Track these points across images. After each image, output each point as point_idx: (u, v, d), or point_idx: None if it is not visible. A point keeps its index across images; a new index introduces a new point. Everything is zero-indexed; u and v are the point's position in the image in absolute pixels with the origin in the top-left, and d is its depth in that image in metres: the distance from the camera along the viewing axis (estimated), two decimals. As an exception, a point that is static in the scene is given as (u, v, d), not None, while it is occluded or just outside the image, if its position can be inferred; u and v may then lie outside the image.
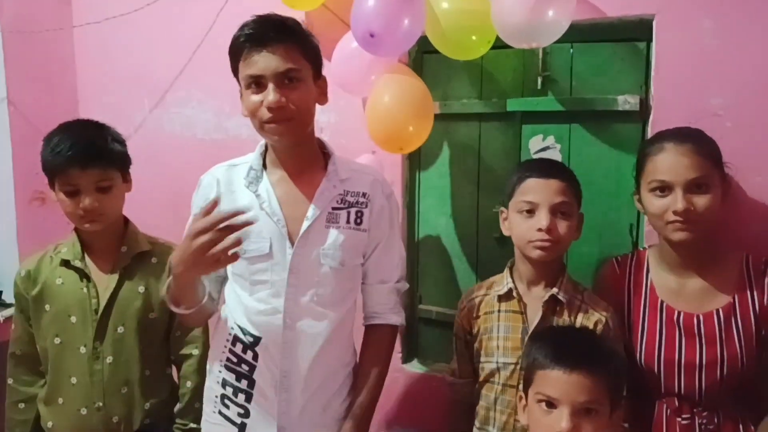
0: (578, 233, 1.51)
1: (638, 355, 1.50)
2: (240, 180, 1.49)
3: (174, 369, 1.80)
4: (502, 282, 1.56)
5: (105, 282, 1.67)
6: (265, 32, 1.37)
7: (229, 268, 1.51)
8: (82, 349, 1.63)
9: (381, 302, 1.57)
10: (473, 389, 1.60)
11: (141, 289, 1.68)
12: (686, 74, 1.63)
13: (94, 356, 1.63)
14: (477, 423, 1.57)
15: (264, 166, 1.50)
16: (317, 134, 2.08)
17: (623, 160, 1.74)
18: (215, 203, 1.24)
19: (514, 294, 1.52)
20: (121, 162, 1.68)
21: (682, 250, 1.48)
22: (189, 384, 1.70)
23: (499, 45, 1.66)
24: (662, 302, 1.50)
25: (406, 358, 2.11)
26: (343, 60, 1.84)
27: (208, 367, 1.58)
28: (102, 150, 1.61)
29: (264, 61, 1.36)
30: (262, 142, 1.53)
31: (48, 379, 1.69)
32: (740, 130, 1.58)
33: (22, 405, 1.72)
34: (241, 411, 1.49)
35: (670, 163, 1.42)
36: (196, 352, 1.72)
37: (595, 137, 1.79)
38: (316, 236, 1.44)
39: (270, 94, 1.36)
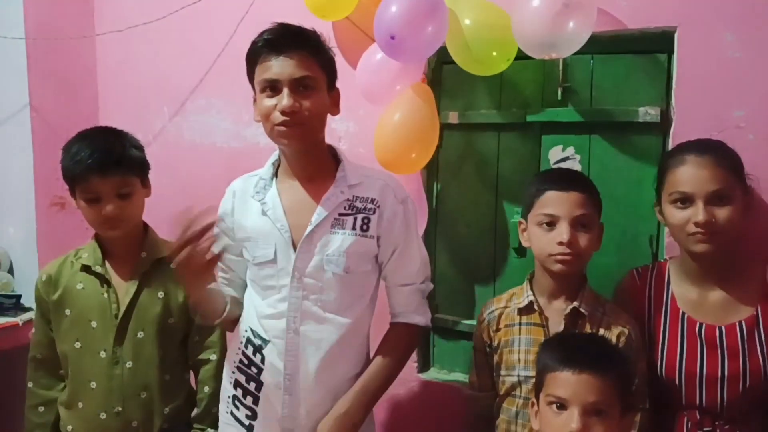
0: (599, 244, 1.51)
1: (659, 367, 1.49)
2: (251, 190, 1.52)
3: (191, 374, 1.80)
4: (522, 295, 1.55)
5: (125, 287, 1.68)
6: (284, 39, 1.40)
7: (247, 274, 1.55)
8: (102, 354, 1.65)
9: (403, 303, 1.57)
10: (492, 402, 1.59)
11: (160, 294, 1.69)
12: (708, 86, 1.62)
13: (114, 361, 1.65)
14: (497, 436, 1.56)
15: (276, 176, 1.53)
16: (335, 143, 2.11)
17: (644, 172, 1.73)
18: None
19: (535, 307, 1.51)
20: (140, 168, 1.70)
21: (703, 262, 1.47)
22: (207, 389, 1.71)
23: (519, 56, 1.67)
24: (684, 314, 1.49)
25: (422, 368, 2.11)
26: (367, 70, 1.86)
27: (225, 368, 1.60)
28: (121, 157, 1.63)
29: (280, 66, 1.39)
30: (276, 153, 1.55)
31: (68, 383, 1.70)
32: (762, 142, 1.57)
33: (41, 408, 1.74)
34: (249, 413, 1.51)
35: (691, 175, 1.41)
36: (213, 357, 1.73)
37: (616, 149, 1.79)
38: (320, 242, 1.46)
39: (284, 99, 1.38)
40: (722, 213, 1.39)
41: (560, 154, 1.85)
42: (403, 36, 1.58)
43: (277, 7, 2.02)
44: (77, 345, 1.66)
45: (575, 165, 1.82)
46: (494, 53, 1.65)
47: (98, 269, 1.68)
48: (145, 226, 1.77)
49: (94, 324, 1.65)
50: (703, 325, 1.46)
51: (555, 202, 1.45)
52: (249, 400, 1.50)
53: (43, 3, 2.50)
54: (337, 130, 2.13)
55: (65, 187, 1.69)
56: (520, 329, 1.53)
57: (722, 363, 1.43)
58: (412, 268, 1.56)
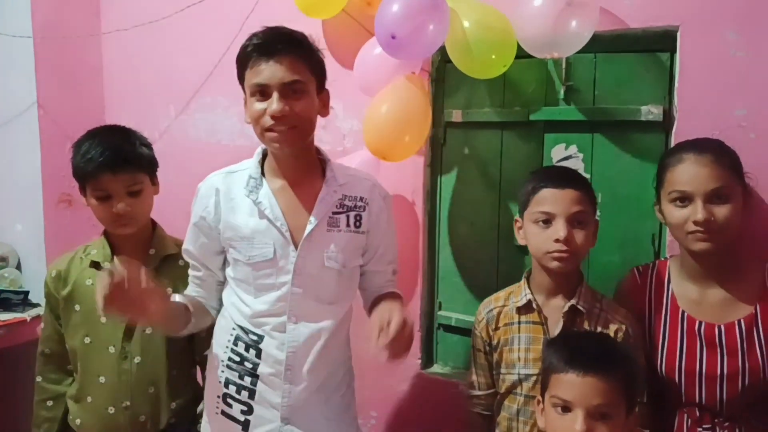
0: (594, 240, 1.52)
1: (659, 365, 1.50)
2: (239, 188, 1.53)
3: (198, 369, 1.83)
4: (520, 293, 1.56)
5: (134, 284, 1.70)
6: (274, 43, 1.42)
7: (231, 274, 1.56)
8: (111, 349, 1.67)
9: (387, 279, 1.66)
10: (493, 401, 1.61)
11: (169, 290, 1.71)
12: (710, 85, 1.63)
13: (123, 356, 1.67)
14: (498, 434, 1.58)
15: (263, 173, 1.54)
16: (340, 141, 2.12)
17: (646, 171, 1.74)
18: None
19: (534, 306, 1.53)
20: (150, 165, 1.72)
21: (703, 261, 1.48)
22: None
23: (522, 55, 1.68)
24: (683, 312, 1.50)
25: (425, 364, 2.13)
26: (365, 64, 1.88)
27: (209, 371, 1.61)
28: (131, 155, 1.65)
29: (270, 71, 1.40)
30: (259, 149, 1.57)
31: (77, 377, 1.73)
32: (764, 141, 1.58)
33: (49, 403, 1.76)
34: (245, 408, 1.53)
35: (690, 174, 1.42)
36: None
37: (618, 147, 1.80)
38: (318, 240, 1.49)
39: (274, 103, 1.40)
40: (721, 212, 1.40)
41: (563, 153, 1.86)
42: (404, 35, 1.59)
43: (282, 6, 2.04)
44: (87, 340, 1.69)
45: (578, 163, 1.83)
46: (493, 56, 1.67)
47: (107, 265, 1.70)
48: (153, 223, 1.79)
49: (103, 319, 1.67)
50: (703, 324, 1.47)
51: (551, 200, 1.47)
52: (244, 395, 1.52)
53: (50, 2, 2.52)
54: (341, 128, 2.15)
55: (72, 184, 1.71)
56: (519, 328, 1.54)
57: (721, 361, 1.44)
58: (393, 254, 1.67)
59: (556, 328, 1.50)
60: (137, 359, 1.68)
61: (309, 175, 1.54)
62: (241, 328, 1.53)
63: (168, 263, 1.74)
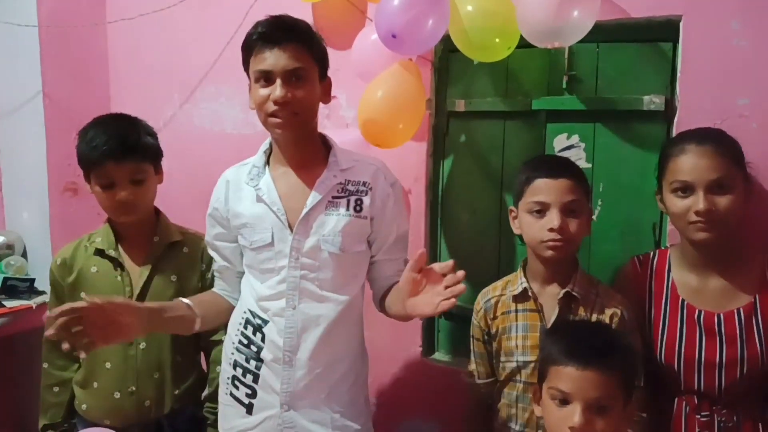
0: (589, 229, 1.53)
1: (658, 352, 1.51)
2: (245, 178, 1.57)
3: (202, 355, 1.85)
4: (517, 282, 1.57)
5: (138, 271, 1.72)
6: (278, 31, 1.45)
7: (244, 260, 1.61)
8: (117, 335, 1.69)
9: (394, 273, 1.61)
10: (492, 389, 1.63)
11: (173, 278, 1.73)
12: (712, 75, 1.63)
13: (128, 342, 1.69)
14: (499, 420, 1.59)
15: (268, 163, 1.58)
16: (343, 129, 2.13)
17: (648, 160, 1.75)
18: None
19: (530, 293, 1.54)
20: (154, 155, 1.74)
21: (703, 250, 1.49)
22: (218, 369, 1.75)
23: (524, 44, 1.68)
24: (683, 301, 1.51)
25: (427, 352, 2.14)
26: (362, 50, 1.89)
27: (223, 351, 1.65)
28: (136, 144, 1.66)
29: (274, 58, 1.43)
30: (267, 141, 1.60)
31: (83, 363, 1.75)
32: (766, 130, 1.58)
33: (56, 388, 1.78)
34: (249, 391, 1.56)
35: (691, 164, 1.43)
36: (224, 338, 1.77)
37: (620, 137, 1.80)
38: (316, 223, 1.51)
39: (277, 90, 1.43)
40: (722, 201, 1.41)
41: (565, 142, 1.87)
42: (406, 34, 1.61)
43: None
44: (92, 327, 1.71)
45: (580, 153, 1.84)
46: (497, 39, 1.67)
47: (111, 253, 1.72)
48: (157, 211, 1.81)
49: (108, 306, 1.69)
50: (702, 312, 1.48)
51: (545, 189, 1.48)
52: (249, 379, 1.55)
53: (56, -8, 2.53)
54: (345, 117, 2.15)
55: (78, 172, 1.73)
56: (516, 316, 1.56)
57: (720, 349, 1.45)
58: (404, 245, 1.65)
59: (552, 314, 1.51)
60: (142, 345, 1.70)
61: (311, 161, 1.55)
62: (251, 311, 1.56)
63: (172, 251, 1.76)
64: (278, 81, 1.43)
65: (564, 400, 1.25)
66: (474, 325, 1.65)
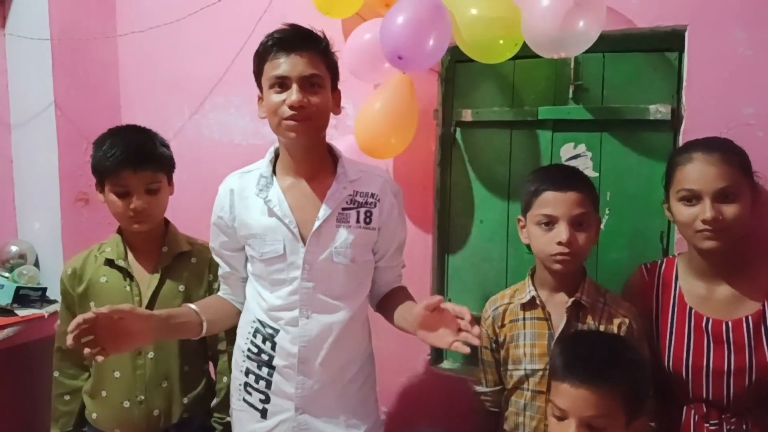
0: (596, 239, 1.53)
1: (666, 360, 1.51)
2: (251, 188, 1.57)
3: (210, 365, 1.86)
4: (525, 290, 1.58)
5: (147, 281, 1.74)
6: (295, 39, 1.47)
7: (250, 269, 1.62)
8: (126, 345, 1.70)
9: (397, 275, 1.71)
10: (500, 397, 1.63)
11: (181, 287, 1.75)
12: (718, 84, 1.64)
13: (137, 352, 1.70)
14: (507, 428, 1.59)
15: (275, 172, 1.58)
16: (347, 135, 2.15)
17: (654, 169, 1.75)
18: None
19: (538, 302, 1.54)
20: (168, 166, 1.77)
21: (710, 258, 1.49)
22: (226, 379, 1.77)
23: (531, 54, 1.69)
24: (691, 309, 1.51)
25: (435, 360, 2.14)
26: (356, 49, 1.91)
27: (233, 358, 1.66)
28: (152, 154, 1.70)
29: (291, 64, 1.45)
30: (272, 149, 1.61)
31: (93, 372, 1.76)
32: (772, 139, 1.59)
33: (67, 397, 1.80)
34: (262, 397, 1.58)
35: (698, 173, 1.43)
36: (231, 348, 1.78)
37: (627, 146, 1.81)
38: (327, 236, 1.52)
39: (293, 94, 1.44)
40: (729, 210, 1.41)
41: (572, 152, 1.87)
42: (411, 54, 1.65)
43: (295, 7, 2.07)
44: (102, 336, 1.72)
45: (586, 162, 1.84)
46: (501, 41, 1.68)
47: (121, 263, 1.74)
48: (166, 221, 1.83)
49: (117, 316, 1.71)
50: (710, 320, 1.48)
51: (553, 202, 1.47)
52: (262, 385, 1.57)
53: (68, 5, 2.57)
54: (352, 128, 2.16)
55: (89, 183, 1.75)
56: (524, 324, 1.56)
57: (728, 357, 1.45)
58: (402, 251, 1.70)
59: (560, 323, 1.51)
60: (150, 354, 1.71)
61: (320, 172, 1.56)
62: (260, 321, 1.57)
63: (180, 261, 1.78)
64: (294, 86, 1.44)
65: (561, 415, 1.25)
66: (481, 332, 1.64)
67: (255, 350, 1.58)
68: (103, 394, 1.73)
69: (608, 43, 1.71)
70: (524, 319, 1.56)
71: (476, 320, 1.32)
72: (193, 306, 1.60)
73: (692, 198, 1.44)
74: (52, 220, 2.62)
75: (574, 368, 1.25)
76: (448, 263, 2.13)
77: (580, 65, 1.83)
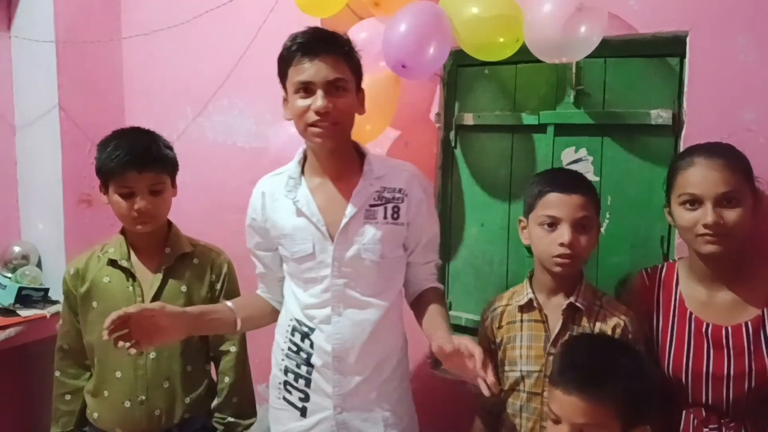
0: (597, 242, 1.54)
1: (666, 365, 1.51)
2: (281, 189, 1.59)
3: (212, 365, 1.87)
4: (523, 292, 1.59)
5: (150, 281, 1.75)
6: (318, 43, 1.47)
7: (285, 268, 1.64)
8: (127, 345, 1.71)
9: (428, 274, 1.68)
10: (498, 399, 1.63)
11: (183, 288, 1.76)
12: (719, 89, 1.64)
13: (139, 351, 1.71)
14: (503, 430, 1.60)
15: (303, 173, 1.59)
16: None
17: (655, 174, 1.76)
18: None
19: (535, 304, 1.55)
20: (172, 167, 1.78)
21: (711, 263, 1.49)
22: (227, 380, 1.78)
23: (532, 59, 1.70)
24: (691, 314, 1.51)
25: (435, 364, 2.15)
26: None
27: (273, 357, 1.68)
28: (156, 155, 1.71)
29: (315, 69, 1.45)
30: (300, 150, 1.62)
31: (94, 372, 1.77)
32: (773, 145, 1.59)
33: (68, 397, 1.81)
34: (302, 395, 1.59)
35: (700, 177, 1.44)
36: (233, 349, 1.80)
37: (628, 150, 1.81)
38: (355, 233, 1.53)
39: (318, 100, 1.44)
40: (731, 215, 1.41)
41: (573, 156, 1.88)
42: (414, 62, 1.66)
43: (299, 11, 2.07)
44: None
45: (587, 166, 1.85)
46: (501, 39, 1.69)
47: (124, 263, 1.75)
48: (169, 223, 1.84)
49: (119, 316, 1.72)
50: (710, 325, 1.48)
51: (557, 204, 1.49)
52: (301, 383, 1.59)
53: (73, 8, 2.59)
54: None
55: (92, 184, 1.77)
56: (521, 326, 1.57)
57: (728, 362, 1.45)
58: (435, 247, 1.68)
59: (556, 325, 1.52)
60: (152, 355, 1.72)
61: (347, 170, 1.57)
62: (296, 320, 1.60)
63: (182, 261, 1.79)
64: (319, 92, 1.44)
65: (556, 420, 1.26)
66: (480, 334, 1.66)
67: (294, 348, 1.59)
68: (105, 393, 1.74)
69: (610, 48, 1.72)
70: (521, 321, 1.57)
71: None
72: (229, 303, 1.63)
73: (694, 202, 1.44)
74: (56, 222, 2.63)
75: (567, 375, 1.25)
76: (449, 266, 2.14)
77: (582, 70, 1.84)
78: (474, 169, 2.06)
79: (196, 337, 1.78)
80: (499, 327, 1.60)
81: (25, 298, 2.50)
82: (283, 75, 1.52)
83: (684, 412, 1.51)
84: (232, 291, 1.84)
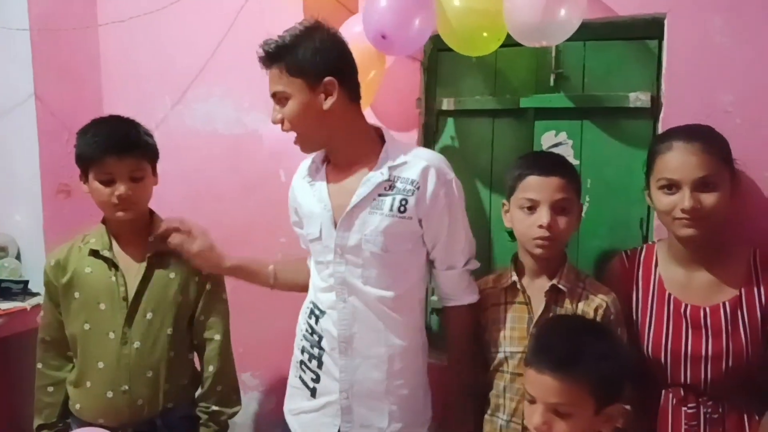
0: (578, 224, 1.56)
1: (645, 345, 1.54)
2: (305, 171, 1.65)
3: (195, 354, 1.86)
4: (507, 275, 1.61)
5: (133, 270, 1.73)
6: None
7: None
8: (111, 335, 1.70)
9: (451, 286, 1.61)
10: (472, 377, 1.65)
11: (172, 275, 1.75)
12: (697, 71, 1.66)
13: (123, 341, 1.70)
14: (488, 411, 1.62)
15: (328, 159, 1.63)
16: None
17: (634, 156, 1.77)
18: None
19: (518, 286, 1.57)
20: (152, 154, 1.76)
21: (689, 245, 1.51)
22: (211, 368, 1.77)
23: (512, 43, 1.70)
24: (670, 295, 1.53)
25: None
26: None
27: (296, 336, 1.70)
28: (136, 141, 1.70)
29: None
30: None
31: (76, 363, 1.76)
32: (750, 126, 1.61)
33: (50, 388, 1.79)
34: (314, 376, 1.62)
35: (678, 162, 1.44)
36: (217, 337, 1.79)
37: (607, 134, 1.83)
38: (358, 222, 1.51)
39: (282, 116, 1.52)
40: (709, 199, 1.43)
41: (553, 140, 1.89)
42: (395, 34, 1.64)
43: (276, -3, 2.05)
44: (86, 327, 1.72)
45: (567, 150, 1.86)
46: (484, 34, 1.69)
47: (106, 253, 1.73)
48: (151, 211, 1.82)
49: (102, 306, 1.70)
50: (689, 306, 1.51)
51: (536, 187, 1.50)
52: (314, 364, 1.62)
53: (47, -6, 2.53)
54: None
55: (71, 174, 1.74)
56: (505, 308, 1.58)
57: (706, 342, 1.48)
58: (457, 249, 1.58)
59: (539, 307, 1.54)
60: (136, 344, 1.70)
61: (363, 158, 1.55)
62: (313, 302, 1.63)
63: (166, 249, 1.77)
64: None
65: (532, 401, 1.27)
66: None
67: (310, 330, 1.62)
68: (87, 384, 1.72)
69: (589, 32, 1.72)
70: (505, 303, 1.59)
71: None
72: (270, 266, 1.78)
73: (672, 186, 1.46)
74: (34, 213, 2.59)
75: (540, 356, 1.27)
76: (431, 252, 2.14)
77: (561, 53, 1.85)
78: (455, 154, 2.06)
79: (183, 325, 1.78)
80: (484, 309, 1.62)
81: (4, 290, 2.46)
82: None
83: (663, 391, 1.54)
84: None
